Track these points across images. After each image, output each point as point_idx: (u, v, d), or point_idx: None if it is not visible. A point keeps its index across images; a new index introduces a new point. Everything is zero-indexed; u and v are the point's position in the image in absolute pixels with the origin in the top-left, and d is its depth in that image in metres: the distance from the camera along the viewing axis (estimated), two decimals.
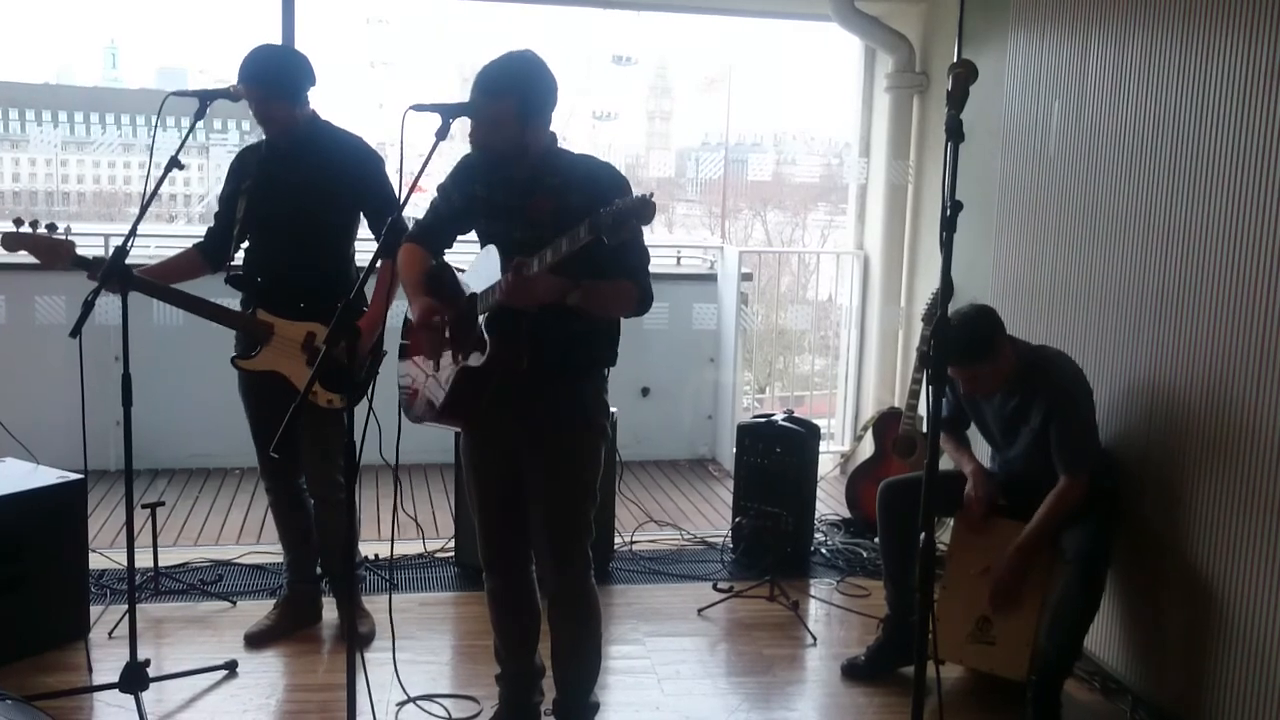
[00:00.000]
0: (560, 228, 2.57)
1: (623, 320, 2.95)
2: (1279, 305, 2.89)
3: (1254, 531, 2.99)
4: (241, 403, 3.77)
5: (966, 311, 3.41)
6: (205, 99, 3.27)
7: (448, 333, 2.84)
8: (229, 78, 3.47)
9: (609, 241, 2.43)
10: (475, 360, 2.75)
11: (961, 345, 3.33)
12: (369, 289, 3.43)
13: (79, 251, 3.39)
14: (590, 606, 3.08)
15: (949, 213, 2.18)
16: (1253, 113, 2.99)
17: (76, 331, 3.03)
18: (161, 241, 6.06)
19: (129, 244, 3.14)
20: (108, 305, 3.20)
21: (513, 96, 2.72)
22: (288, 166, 3.57)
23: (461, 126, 2.75)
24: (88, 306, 3.05)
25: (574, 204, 2.69)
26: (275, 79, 3.48)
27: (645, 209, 2.41)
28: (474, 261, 2.90)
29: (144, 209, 3.12)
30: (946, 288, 2.26)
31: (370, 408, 2.79)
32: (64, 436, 3.71)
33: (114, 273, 3.14)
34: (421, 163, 2.64)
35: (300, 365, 3.55)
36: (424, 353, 2.92)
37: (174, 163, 3.13)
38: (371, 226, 3.64)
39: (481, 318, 2.75)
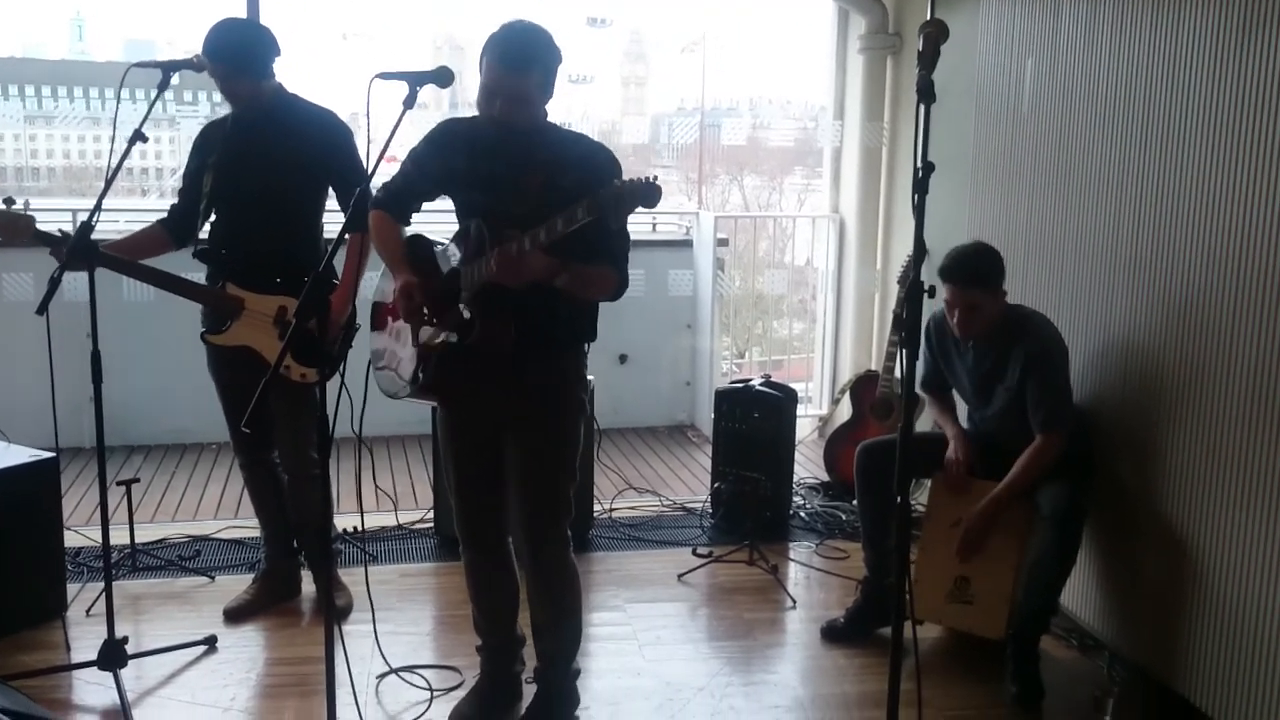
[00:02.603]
0: (548, 204, 2.55)
1: None
2: (1252, 262, 2.89)
3: (1227, 488, 3.01)
4: (211, 378, 3.74)
5: (973, 242, 3.46)
6: (168, 70, 3.22)
7: (425, 310, 2.81)
8: (197, 49, 3.42)
9: (611, 224, 2.42)
10: (459, 337, 2.73)
11: (968, 267, 3.37)
12: (338, 262, 3.42)
13: (44, 227, 3.35)
14: (568, 582, 3.08)
15: (920, 175, 2.17)
16: (1225, 68, 2.98)
17: (43, 309, 3.00)
18: (132, 216, 5.99)
19: (94, 219, 3.09)
20: (76, 282, 3.16)
21: (538, 70, 2.69)
22: (255, 140, 3.53)
23: (431, 95, 2.72)
24: (54, 283, 3.02)
25: (566, 183, 2.67)
26: (238, 55, 3.43)
27: (651, 194, 2.39)
28: (452, 236, 2.87)
29: (108, 183, 3.07)
30: (919, 249, 2.25)
31: (343, 382, 2.78)
32: (35, 415, 3.67)
33: (80, 249, 3.10)
34: (389, 132, 2.60)
35: (272, 339, 3.52)
36: (403, 319, 2.88)
37: (138, 136, 3.08)
38: (340, 199, 3.61)
39: (465, 295, 2.73)
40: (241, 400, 3.35)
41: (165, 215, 3.69)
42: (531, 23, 2.72)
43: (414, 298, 2.77)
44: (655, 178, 2.39)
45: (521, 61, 2.66)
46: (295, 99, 3.60)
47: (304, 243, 3.61)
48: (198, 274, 3.63)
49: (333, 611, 2.84)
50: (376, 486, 4.67)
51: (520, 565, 3.09)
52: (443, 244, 2.91)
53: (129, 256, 3.49)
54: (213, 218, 3.63)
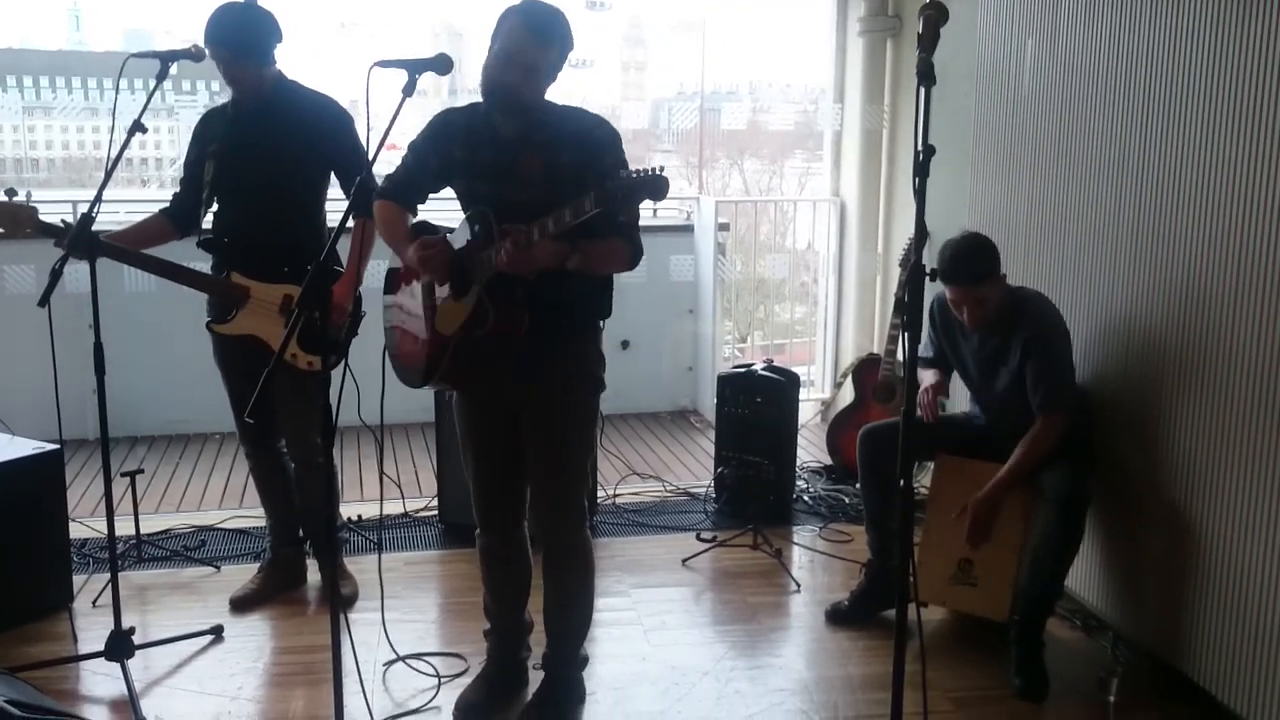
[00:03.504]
0: (552, 186, 2.55)
1: None
2: (1253, 241, 2.88)
3: (1229, 468, 3.01)
4: (217, 368, 3.75)
5: (964, 236, 3.43)
6: (166, 60, 3.21)
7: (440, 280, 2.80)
8: (195, 38, 3.41)
9: (618, 217, 2.42)
10: (474, 328, 2.73)
11: (969, 266, 3.35)
12: (341, 248, 3.42)
13: (45, 218, 3.35)
14: (585, 558, 3.10)
15: (921, 158, 2.16)
16: (1226, 48, 2.97)
17: (45, 301, 3.00)
18: (134, 206, 5.99)
19: (95, 210, 3.09)
20: (77, 273, 3.16)
21: (556, 46, 2.71)
22: (256, 128, 3.52)
23: (431, 82, 2.71)
24: (55, 275, 3.02)
25: (566, 161, 2.69)
26: (242, 39, 3.42)
27: (659, 186, 2.39)
28: (458, 228, 2.87)
29: (108, 174, 3.07)
30: (920, 233, 2.25)
31: (348, 369, 2.78)
32: (39, 407, 3.68)
33: (81, 239, 3.10)
34: (388, 120, 2.60)
35: (278, 327, 3.52)
36: (436, 277, 2.82)
37: (137, 126, 3.08)
38: (343, 186, 3.61)
39: (477, 285, 2.73)
40: (248, 389, 3.37)
41: (167, 204, 3.69)
42: (554, 5, 2.73)
43: (435, 247, 2.75)
44: (662, 169, 2.39)
45: (547, 32, 2.68)
46: (296, 86, 3.59)
47: (307, 231, 3.61)
48: (200, 263, 3.63)
49: (338, 600, 2.84)
50: (390, 478, 4.70)
51: (536, 543, 3.10)
52: (450, 230, 2.91)
53: (133, 247, 3.49)
54: (215, 207, 3.63)
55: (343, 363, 2.87)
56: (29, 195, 3.29)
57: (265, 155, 3.51)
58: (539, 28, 2.66)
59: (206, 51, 3.36)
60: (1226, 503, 3.03)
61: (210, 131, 3.61)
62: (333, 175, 3.65)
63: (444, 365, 2.81)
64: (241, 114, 3.55)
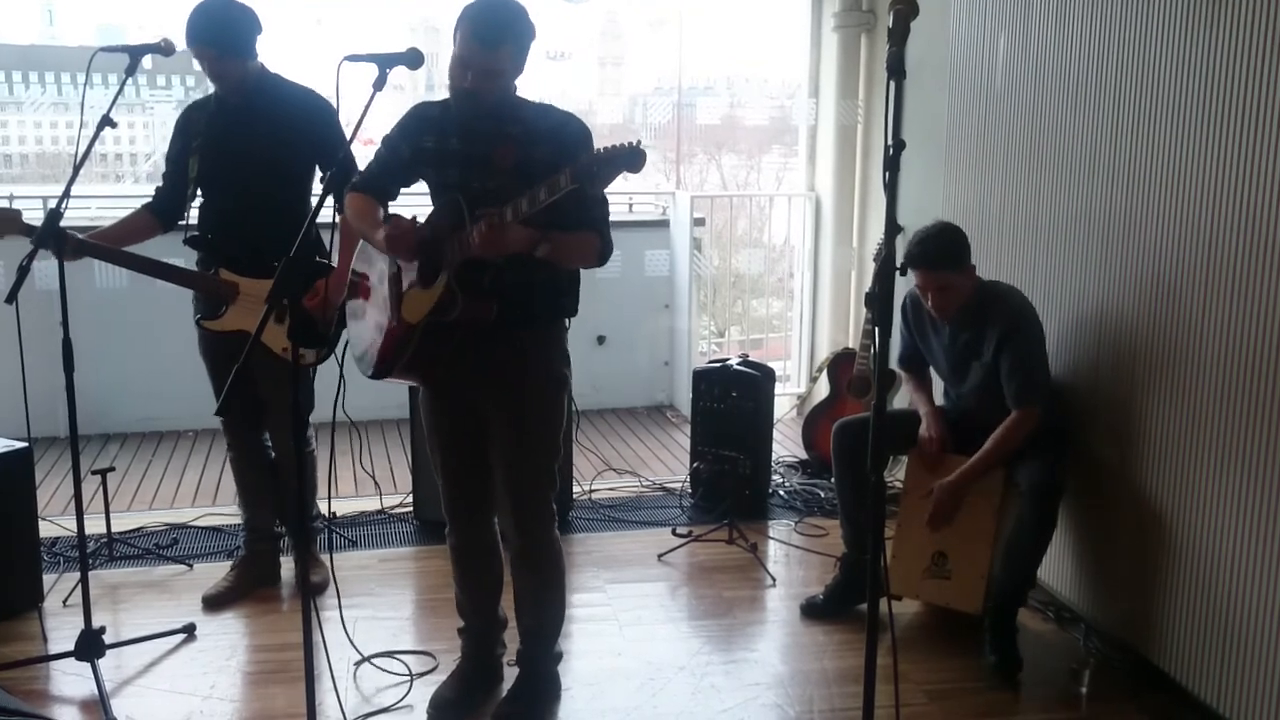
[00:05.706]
0: (524, 179, 2.54)
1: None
2: (1223, 236, 2.90)
3: (1201, 459, 3.03)
4: (203, 363, 3.71)
5: (935, 224, 3.45)
6: (135, 54, 3.18)
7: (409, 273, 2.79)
8: (168, 32, 3.37)
9: (591, 191, 2.41)
10: (442, 314, 2.72)
11: (934, 250, 3.36)
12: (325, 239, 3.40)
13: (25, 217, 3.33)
14: (554, 560, 3.08)
15: (891, 153, 2.16)
16: (1196, 41, 2.98)
17: (12, 297, 2.98)
18: (106, 202, 5.95)
19: (63, 206, 3.07)
20: (46, 270, 3.14)
21: (509, 45, 2.69)
22: (241, 123, 3.50)
23: (406, 77, 2.70)
24: (23, 271, 3.00)
25: (539, 156, 2.69)
26: (225, 37, 3.39)
27: (635, 158, 2.39)
28: (429, 217, 2.86)
29: (76, 169, 3.04)
30: (891, 228, 2.24)
31: (340, 362, 2.77)
32: (8, 405, 3.64)
33: (49, 235, 3.08)
34: (359, 115, 2.60)
35: (269, 323, 3.49)
36: (403, 256, 2.81)
37: (105, 121, 3.05)
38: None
39: (447, 272, 2.72)
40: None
41: (151, 199, 3.66)
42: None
43: (403, 227, 2.74)
44: (639, 142, 2.39)
45: (494, 36, 2.66)
46: (279, 80, 3.57)
47: (295, 225, 3.57)
48: (180, 259, 3.60)
49: (308, 589, 2.83)
50: (365, 471, 4.68)
51: (505, 543, 3.09)
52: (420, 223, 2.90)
53: (116, 244, 3.47)
54: (199, 201, 3.60)
55: (333, 355, 2.86)
56: (11, 198, 3.27)
57: (250, 150, 3.49)
58: (487, 33, 2.65)
59: (191, 51, 3.34)
60: (1197, 494, 3.05)
61: (193, 125, 3.58)
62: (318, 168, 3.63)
63: (409, 353, 2.79)
64: (225, 109, 3.53)
